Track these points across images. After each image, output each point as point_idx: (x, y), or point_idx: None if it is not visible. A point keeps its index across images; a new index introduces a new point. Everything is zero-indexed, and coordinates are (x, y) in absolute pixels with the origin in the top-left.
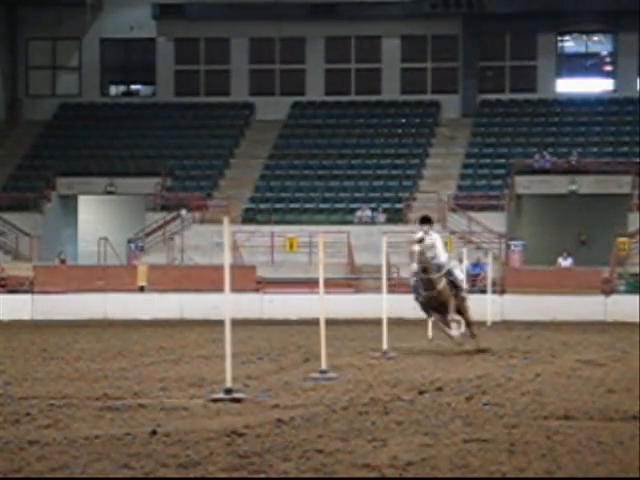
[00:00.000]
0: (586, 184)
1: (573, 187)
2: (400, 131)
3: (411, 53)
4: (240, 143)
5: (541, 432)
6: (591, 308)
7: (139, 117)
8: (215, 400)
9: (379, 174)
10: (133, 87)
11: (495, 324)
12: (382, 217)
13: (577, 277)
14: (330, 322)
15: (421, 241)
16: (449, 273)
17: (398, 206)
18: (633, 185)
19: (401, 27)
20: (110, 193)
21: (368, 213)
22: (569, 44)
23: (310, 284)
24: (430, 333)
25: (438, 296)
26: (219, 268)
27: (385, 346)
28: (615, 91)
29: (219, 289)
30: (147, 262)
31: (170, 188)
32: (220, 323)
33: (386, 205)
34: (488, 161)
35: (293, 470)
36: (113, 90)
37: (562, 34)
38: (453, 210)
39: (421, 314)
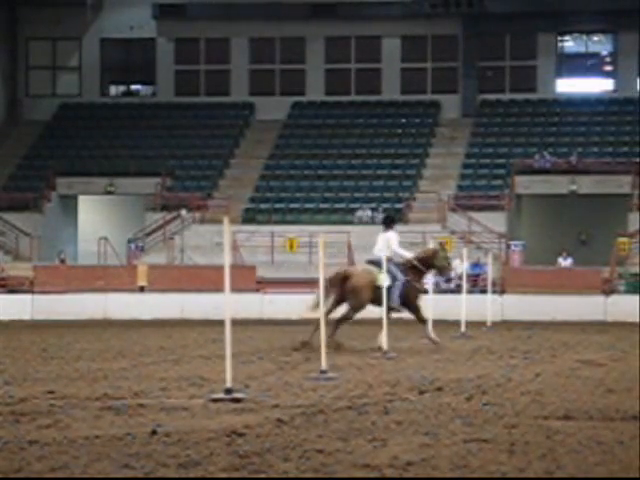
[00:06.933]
0: (586, 184)
1: (573, 187)
2: (400, 131)
3: (411, 53)
4: (240, 143)
5: (541, 432)
6: (591, 308)
7: (139, 117)
8: (215, 400)
9: (379, 174)
10: (133, 87)
11: (495, 324)
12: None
13: (577, 277)
14: (330, 322)
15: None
16: None
17: (398, 206)
18: (633, 185)
19: (401, 27)
20: (110, 193)
21: (368, 213)
22: (569, 44)
23: (310, 284)
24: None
25: None
26: (219, 268)
27: (385, 346)
28: (615, 91)
29: (219, 289)
30: (147, 262)
31: (170, 188)
32: (220, 323)
33: (386, 205)
34: (488, 161)
35: (293, 470)
36: (113, 90)
37: (562, 34)
38: (453, 210)
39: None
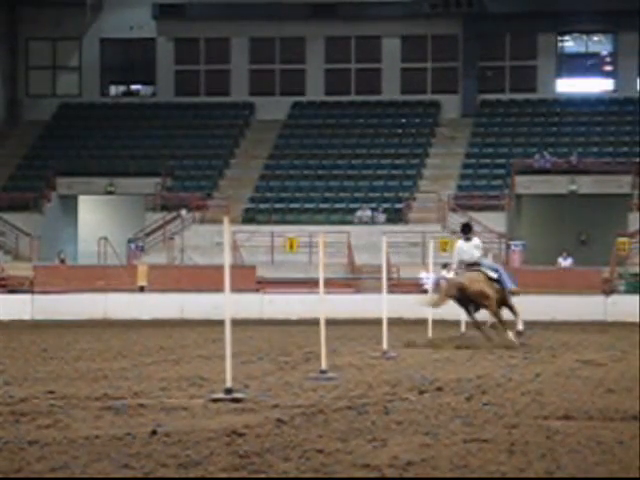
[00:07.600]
0: (586, 184)
1: (573, 187)
2: (400, 131)
3: (411, 53)
4: (240, 143)
5: (541, 432)
6: (591, 308)
7: (139, 117)
8: (215, 400)
9: (379, 174)
10: (133, 87)
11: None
12: (382, 217)
13: (577, 277)
14: (330, 322)
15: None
16: None
17: (398, 206)
18: (633, 185)
19: (401, 27)
20: (110, 193)
21: (368, 213)
22: (569, 44)
23: (310, 284)
24: (430, 333)
25: None
26: (219, 268)
27: (385, 346)
28: (615, 91)
29: (219, 289)
30: (147, 262)
31: (170, 188)
32: (220, 323)
33: (386, 205)
34: (488, 161)
35: (293, 470)
36: (113, 90)
37: (562, 34)
38: (453, 210)
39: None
